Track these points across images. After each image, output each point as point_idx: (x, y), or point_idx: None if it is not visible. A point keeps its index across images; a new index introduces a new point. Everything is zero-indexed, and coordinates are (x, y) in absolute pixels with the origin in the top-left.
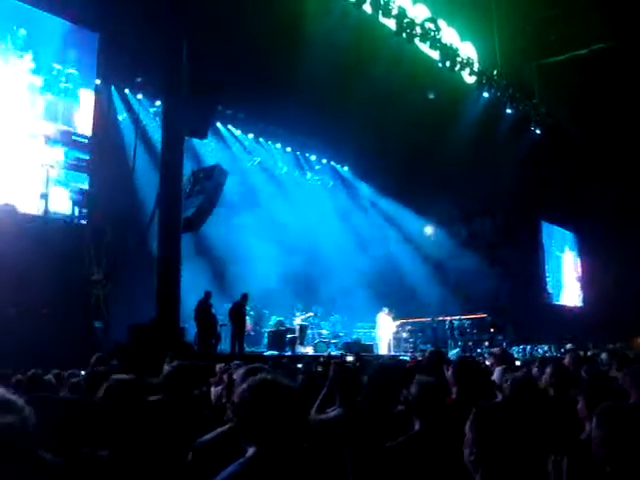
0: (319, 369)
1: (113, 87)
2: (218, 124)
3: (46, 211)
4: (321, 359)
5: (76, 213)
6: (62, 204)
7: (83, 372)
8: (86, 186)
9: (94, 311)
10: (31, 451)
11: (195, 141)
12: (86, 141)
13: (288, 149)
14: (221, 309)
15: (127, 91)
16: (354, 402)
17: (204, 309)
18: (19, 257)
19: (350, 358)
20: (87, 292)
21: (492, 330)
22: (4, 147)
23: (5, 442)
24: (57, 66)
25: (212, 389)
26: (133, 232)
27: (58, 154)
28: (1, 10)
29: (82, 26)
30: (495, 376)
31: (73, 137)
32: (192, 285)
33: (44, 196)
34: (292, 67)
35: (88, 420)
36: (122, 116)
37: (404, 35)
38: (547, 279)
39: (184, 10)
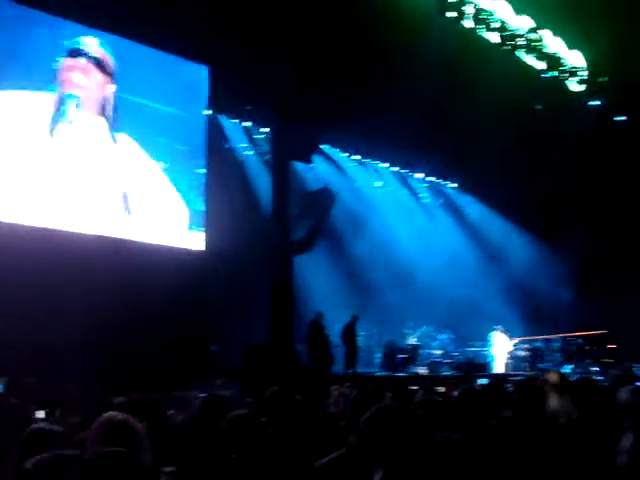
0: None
1: (222, 116)
2: (323, 147)
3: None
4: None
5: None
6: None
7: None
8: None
9: (210, 335)
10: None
11: (303, 165)
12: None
13: (395, 168)
14: (332, 330)
15: (236, 120)
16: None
17: (319, 330)
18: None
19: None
20: (204, 317)
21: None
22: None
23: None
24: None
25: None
26: (248, 256)
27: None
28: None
29: (191, 60)
30: None
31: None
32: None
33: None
34: (395, 85)
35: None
36: (229, 144)
37: (507, 47)
38: None
39: (291, 37)
